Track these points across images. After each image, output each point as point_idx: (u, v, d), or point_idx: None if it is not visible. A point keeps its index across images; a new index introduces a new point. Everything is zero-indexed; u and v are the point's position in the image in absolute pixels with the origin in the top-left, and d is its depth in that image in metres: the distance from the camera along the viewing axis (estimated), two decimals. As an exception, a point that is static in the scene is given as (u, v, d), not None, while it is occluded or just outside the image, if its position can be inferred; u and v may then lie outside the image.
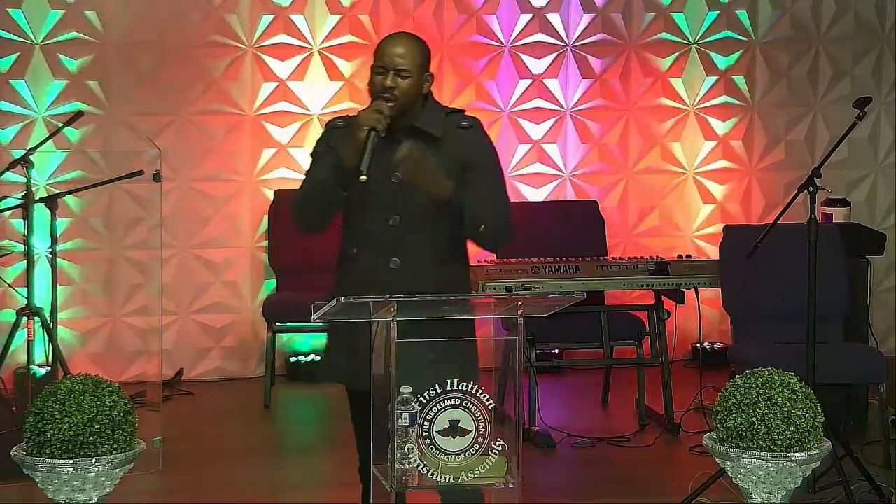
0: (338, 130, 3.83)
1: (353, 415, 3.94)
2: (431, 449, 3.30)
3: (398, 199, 3.72)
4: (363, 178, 3.58)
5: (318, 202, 3.78)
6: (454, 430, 3.32)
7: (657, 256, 6.40)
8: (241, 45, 7.17)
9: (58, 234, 5.87)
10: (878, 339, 6.37)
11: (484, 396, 3.34)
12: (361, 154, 3.60)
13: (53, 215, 5.77)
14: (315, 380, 7.21)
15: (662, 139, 7.71)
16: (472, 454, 3.33)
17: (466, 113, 3.89)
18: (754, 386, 3.50)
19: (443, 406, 3.31)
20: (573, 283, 5.97)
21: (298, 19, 7.24)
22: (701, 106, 7.73)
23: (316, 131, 7.26)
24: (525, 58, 7.51)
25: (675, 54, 7.67)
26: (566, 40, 7.55)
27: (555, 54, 7.54)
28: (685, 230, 7.76)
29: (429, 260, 3.75)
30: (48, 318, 5.73)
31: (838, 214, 6.73)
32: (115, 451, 3.29)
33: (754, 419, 3.45)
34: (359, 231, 3.78)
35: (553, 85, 7.56)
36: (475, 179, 3.76)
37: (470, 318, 3.65)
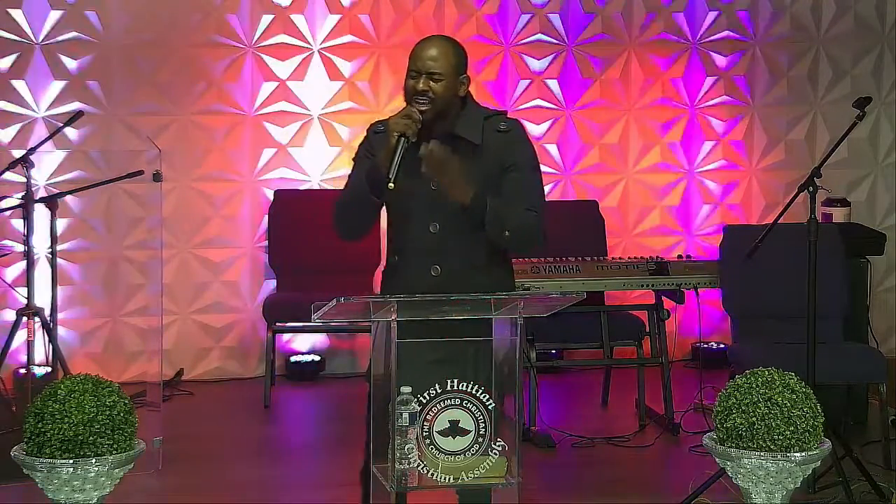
0: (378, 136, 3.78)
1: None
2: (431, 449, 3.31)
3: (438, 207, 3.69)
4: (391, 185, 3.55)
5: (353, 209, 3.76)
6: (454, 430, 3.32)
7: (657, 256, 6.40)
8: (241, 45, 7.17)
9: (58, 234, 5.87)
10: (878, 339, 6.37)
11: (484, 396, 3.34)
12: (391, 160, 3.58)
13: (53, 215, 5.77)
14: (314, 379, 7.24)
15: (662, 139, 7.71)
16: (472, 454, 3.34)
17: (508, 115, 3.86)
18: (754, 386, 3.50)
19: (443, 406, 3.32)
20: (573, 283, 5.97)
21: (298, 19, 7.24)
22: (701, 106, 7.73)
23: (316, 131, 7.27)
24: (525, 58, 7.51)
25: (675, 54, 7.67)
26: (566, 40, 7.55)
27: (555, 54, 7.54)
28: (685, 230, 7.76)
29: (470, 266, 3.72)
30: (48, 318, 5.73)
31: (838, 214, 6.72)
32: (115, 451, 3.29)
33: (754, 419, 3.45)
34: (400, 239, 3.77)
35: (553, 85, 7.56)
36: (509, 181, 3.74)
37: (487, 320, 3.63)
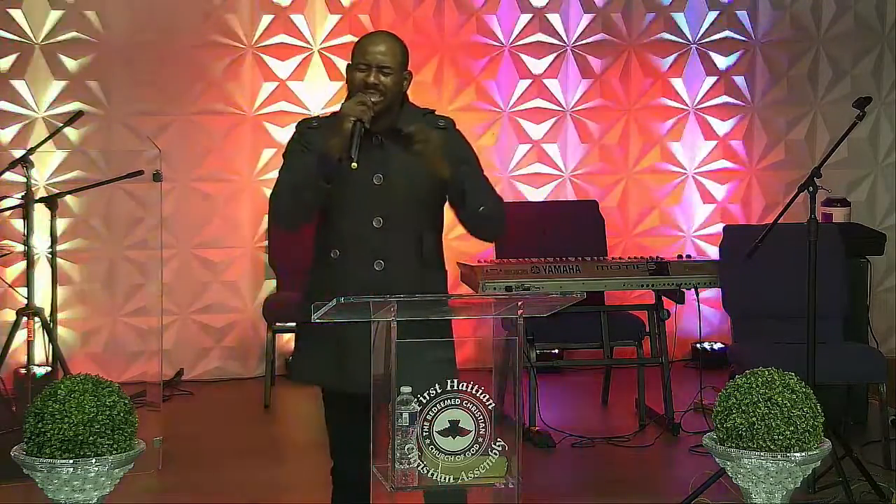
0: (312, 131, 3.82)
1: (328, 416, 3.92)
2: (431, 449, 3.31)
3: (382, 201, 3.72)
4: (354, 164, 3.58)
5: (300, 197, 3.74)
6: (454, 430, 3.32)
7: (657, 256, 6.40)
8: (241, 45, 7.17)
9: (58, 234, 5.87)
10: (878, 339, 6.37)
11: (484, 396, 3.34)
12: (349, 144, 3.60)
13: (53, 215, 5.77)
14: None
15: (662, 139, 7.71)
16: (472, 454, 3.33)
17: (437, 112, 3.91)
18: (754, 386, 3.50)
19: (443, 406, 3.31)
20: (573, 283, 5.97)
21: (298, 19, 7.24)
22: (701, 106, 7.73)
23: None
24: (525, 58, 7.51)
25: (675, 54, 7.67)
26: (566, 40, 7.55)
27: (555, 54, 7.54)
28: (685, 230, 7.76)
29: (411, 262, 3.75)
30: (48, 318, 5.73)
31: (838, 214, 6.73)
32: (115, 451, 3.29)
33: (754, 419, 3.44)
34: (342, 233, 3.77)
35: (553, 85, 7.56)
36: (464, 174, 3.77)
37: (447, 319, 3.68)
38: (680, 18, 7.67)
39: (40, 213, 5.81)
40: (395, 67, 3.73)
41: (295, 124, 3.93)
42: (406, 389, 3.28)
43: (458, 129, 3.91)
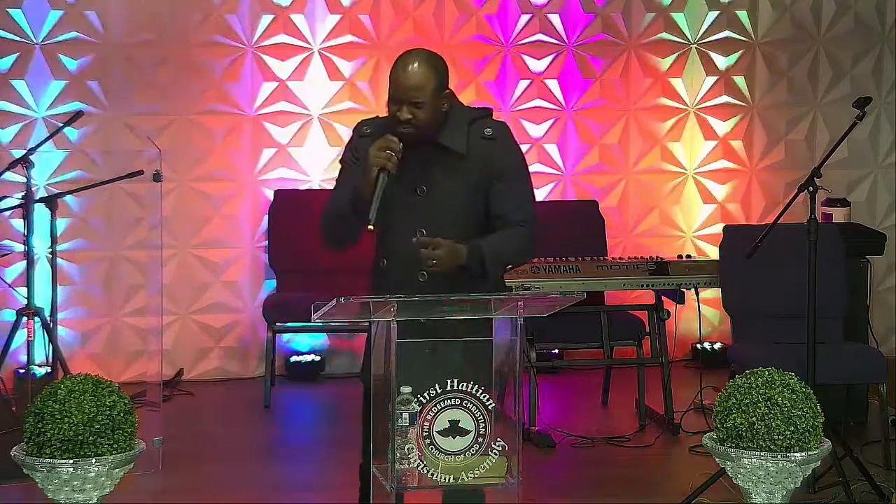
0: (363, 140, 3.79)
1: (366, 414, 3.90)
2: (431, 449, 3.31)
3: (425, 213, 3.71)
4: (370, 228, 3.57)
5: (338, 224, 3.79)
6: (454, 430, 3.32)
7: (657, 256, 6.40)
8: (241, 45, 7.17)
9: (58, 234, 5.87)
10: (878, 339, 6.37)
11: (484, 396, 3.34)
12: (370, 195, 3.58)
13: (53, 215, 5.77)
14: (320, 377, 7.24)
15: (662, 139, 7.71)
16: (472, 454, 3.34)
17: (492, 117, 3.84)
18: (754, 386, 3.50)
19: (443, 406, 3.32)
20: (573, 283, 5.97)
21: (298, 19, 7.24)
22: (701, 106, 7.72)
23: (316, 131, 7.27)
24: (525, 58, 7.51)
25: (675, 54, 7.67)
26: (566, 40, 7.55)
27: (555, 54, 7.54)
28: (685, 230, 7.76)
29: (456, 273, 3.69)
30: (48, 318, 5.73)
31: (838, 214, 6.72)
32: (115, 451, 3.29)
33: (754, 419, 3.45)
34: (388, 243, 3.78)
35: (553, 85, 7.56)
36: (498, 193, 3.76)
37: (487, 322, 3.62)
38: (680, 18, 7.67)
39: (40, 213, 5.81)
40: (429, 98, 3.65)
41: (354, 125, 3.91)
42: (406, 389, 3.28)
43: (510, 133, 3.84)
